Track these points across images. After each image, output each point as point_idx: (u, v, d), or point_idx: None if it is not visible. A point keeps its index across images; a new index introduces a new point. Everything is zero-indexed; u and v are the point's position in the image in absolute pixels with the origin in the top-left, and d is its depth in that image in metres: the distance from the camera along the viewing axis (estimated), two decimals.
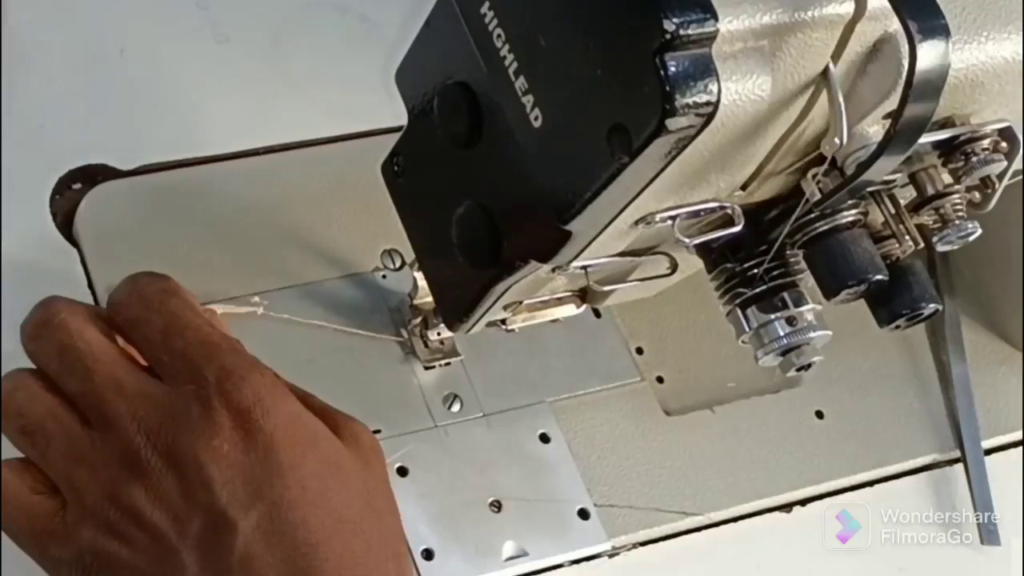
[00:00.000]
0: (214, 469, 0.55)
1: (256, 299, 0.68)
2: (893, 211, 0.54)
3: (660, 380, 0.75)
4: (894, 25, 0.48)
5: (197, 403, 0.56)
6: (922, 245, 0.55)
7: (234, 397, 0.55)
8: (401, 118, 0.57)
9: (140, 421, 0.56)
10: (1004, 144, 0.53)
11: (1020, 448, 0.78)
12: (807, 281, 0.56)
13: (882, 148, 0.48)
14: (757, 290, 0.55)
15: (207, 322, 0.59)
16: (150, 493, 0.55)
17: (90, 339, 0.58)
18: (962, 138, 0.53)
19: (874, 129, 0.51)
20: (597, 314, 0.74)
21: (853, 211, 0.54)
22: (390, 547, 0.58)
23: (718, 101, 0.45)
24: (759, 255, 0.55)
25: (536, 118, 0.49)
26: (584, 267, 0.55)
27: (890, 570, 0.72)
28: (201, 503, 0.54)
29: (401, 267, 0.67)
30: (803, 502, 0.72)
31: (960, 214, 0.54)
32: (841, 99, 0.48)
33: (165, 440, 0.56)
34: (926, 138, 0.50)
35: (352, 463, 0.58)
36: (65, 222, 0.70)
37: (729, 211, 0.52)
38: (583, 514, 0.68)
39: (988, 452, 0.77)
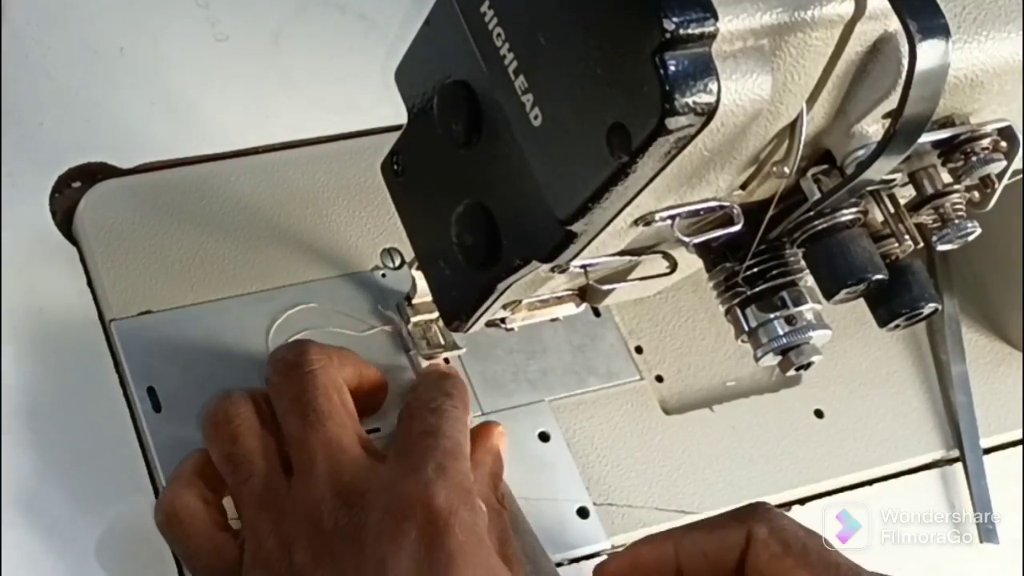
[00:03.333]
0: (391, 568, 0.54)
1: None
2: (893, 210, 0.54)
3: (659, 379, 0.75)
4: (894, 25, 0.48)
5: (401, 494, 0.56)
6: (921, 244, 0.55)
7: (436, 506, 0.55)
8: (401, 117, 0.57)
9: (341, 487, 0.57)
10: (1004, 143, 0.53)
11: (1019, 447, 0.78)
12: (807, 280, 0.56)
13: (882, 147, 0.48)
14: (756, 289, 0.55)
15: (467, 440, 0.60)
16: (320, 561, 0.56)
17: (332, 398, 0.59)
18: (962, 137, 0.53)
19: (874, 128, 0.51)
20: (596, 313, 0.74)
21: (853, 210, 0.54)
22: None
23: (718, 100, 0.45)
24: (758, 254, 0.55)
25: (536, 117, 0.49)
26: (584, 266, 0.55)
27: (890, 569, 0.72)
28: None
29: (400, 266, 0.67)
30: (802, 501, 0.73)
31: (960, 213, 0.54)
32: (800, 140, 0.49)
33: (357, 515, 0.56)
34: (926, 137, 0.50)
35: None
36: (65, 220, 0.70)
37: (729, 210, 0.52)
38: (582, 513, 0.68)
39: (987, 451, 0.77)
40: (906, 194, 0.55)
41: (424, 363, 0.68)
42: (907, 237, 0.54)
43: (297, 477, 0.58)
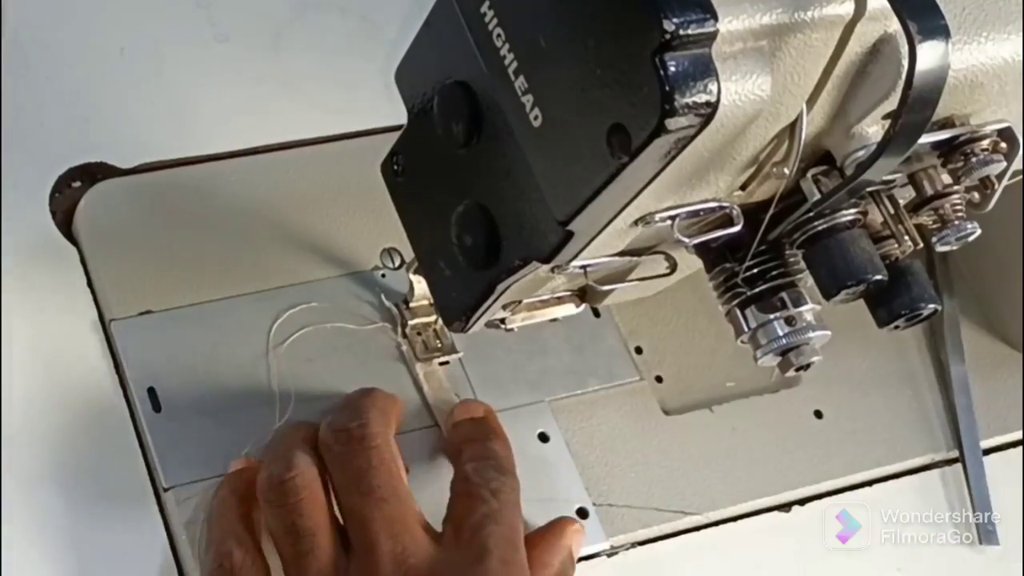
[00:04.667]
0: None
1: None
2: (892, 211, 0.54)
3: (659, 379, 0.75)
4: (894, 26, 0.48)
5: None
6: (921, 245, 0.55)
7: None
8: (401, 117, 0.57)
9: (406, 570, 0.57)
10: (1003, 144, 0.53)
11: (1019, 448, 0.78)
12: (806, 281, 0.56)
13: (882, 148, 0.48)
14: (756, 290, 0.55)
15: (520, 520, 0.61)
16: None
17: (394, 473, 0.59)
18: (961, 138, 0.53)
19: (874, 129, 0.51)
20: (596, 313, 0.74)
21: (852, 211, 0.54)
22: None
23: (718, 101, 0.45)
24: (758, 255, 0.55)
25: (536, 118, 0.49)
26: (583, 266, 0.55)
27: (889, 570, 0.72)
28: None
29: (401, 266, 0.67)
30: (802, 502, 0.72)
31: (959, 214, 0.54)
32: (800, 140, 0.49)
33: None
34: (926, 138, 0.50)
35: None
36: (65, 220, 0.70)
37: (729, 211, 0.52)
38: (582, 513, 0.68)
39: (987, 452, 0.77)
40: (906, 195, 0.55)
41: (421, 367, 0.68)
42: (907, 238, 0.54)
43: (360, 555, 0.58)
